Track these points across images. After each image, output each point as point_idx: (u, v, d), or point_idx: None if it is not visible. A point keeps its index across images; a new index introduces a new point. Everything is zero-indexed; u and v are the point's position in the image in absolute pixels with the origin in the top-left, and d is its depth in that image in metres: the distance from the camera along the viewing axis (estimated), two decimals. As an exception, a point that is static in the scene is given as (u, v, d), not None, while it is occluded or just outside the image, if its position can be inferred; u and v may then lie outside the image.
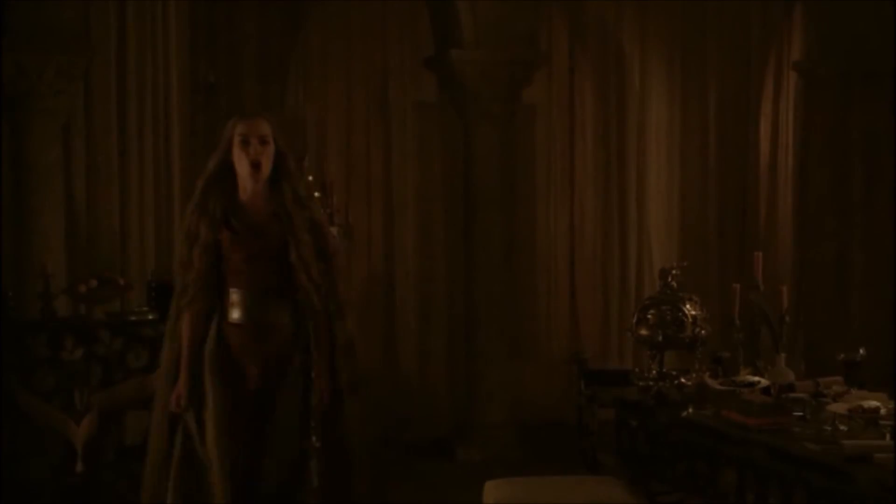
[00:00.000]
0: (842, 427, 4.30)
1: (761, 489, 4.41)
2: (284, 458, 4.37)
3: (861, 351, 5.01)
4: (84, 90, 7.34)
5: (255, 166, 4.37)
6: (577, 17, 9.62)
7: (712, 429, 4.63)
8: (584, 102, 9.72)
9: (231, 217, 4.40)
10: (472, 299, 8.40)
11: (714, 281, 9.20)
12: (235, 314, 4.40)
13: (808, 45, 8.98)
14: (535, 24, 8.65)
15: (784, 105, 9.53)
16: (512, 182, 8.82)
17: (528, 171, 9.58)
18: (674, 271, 5.48)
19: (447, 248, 9.26)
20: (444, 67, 8.40)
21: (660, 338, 5.32)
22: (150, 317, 6.22)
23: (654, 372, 5.28)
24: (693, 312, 5.35)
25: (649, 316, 5.40)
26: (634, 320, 5.48)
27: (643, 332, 5.40)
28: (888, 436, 4.09)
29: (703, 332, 5.34)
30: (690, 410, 4.83)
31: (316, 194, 7.69)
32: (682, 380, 5.10)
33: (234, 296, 4.41)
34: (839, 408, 4.40)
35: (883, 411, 4.24)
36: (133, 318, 6.28)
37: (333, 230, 7.50)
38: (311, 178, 7.73)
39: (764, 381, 4.85)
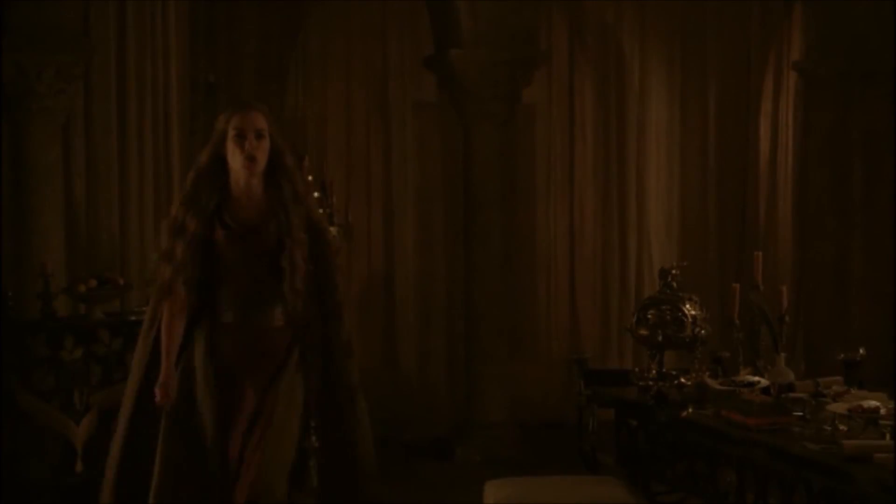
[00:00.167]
0: (842, 427, 4.31)
1: (761, 489, 4.41)
2: (282, 459, 4.22)
3: (861, 351, 5.01)
4: (84, 90, 7.35)
5: (250, 159, 4.17)
6: (576, 17, 9.60)
7: (712, 429, 4.63)
8: (584, 102, 9.70)
9: (224, 214, 4.21)
10: (472, 299, 8.38)
11: (714, 281, 9.19)
12: (228, 315, 4.23)
13: (808, 45, 8.96)
14: (535, 24, 8.63)
15: (784, 105, 9.51)
16: (512, 182, 8.81)
17: (528, 171, 9.56)
18: (674, 271, 5.49)
19: (447, 247, 9.25)
20: (444, 67, 8.38)
21: (659, 338, 5.32)
22: (150, 317, 6.22)
23: (653, 372, 5.28)
24: (693, 312, 5.36)
25: (649, 316, 5.40)
26: (634, 320, 5.49)
27: (643, 331, 5.41)
28: (888, 436, 4.09)
29: (702, 332, 5.34)
30: (690, 410, 4.83)
31: (316, 194, 7.69)
32: (682, 380, 5.10)
33: (227, 296, 4.22)
34: (839, 408, 4.40)
35: (883, 411, 4.24)
36: (133, 318, 6.25)
37: (333, 230, 7.53)
38: (310, 177, 7.73)
39: (764, 381, 4.85)
